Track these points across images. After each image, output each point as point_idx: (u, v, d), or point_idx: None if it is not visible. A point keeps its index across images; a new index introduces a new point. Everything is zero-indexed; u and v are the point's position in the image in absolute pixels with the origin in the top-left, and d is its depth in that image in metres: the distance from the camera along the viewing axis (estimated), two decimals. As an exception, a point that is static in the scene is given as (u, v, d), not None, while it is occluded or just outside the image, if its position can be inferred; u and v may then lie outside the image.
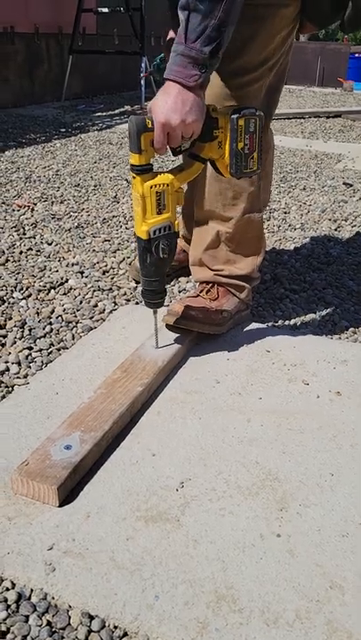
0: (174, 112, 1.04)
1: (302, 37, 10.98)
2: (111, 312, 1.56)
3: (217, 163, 1.19)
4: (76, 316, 1.53)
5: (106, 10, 5.53)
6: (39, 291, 1.67)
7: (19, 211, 2.36)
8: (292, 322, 1.56)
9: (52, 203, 2.49)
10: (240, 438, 1.08)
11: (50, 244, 2.03)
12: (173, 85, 1.04)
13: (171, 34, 1.40)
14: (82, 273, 1.80)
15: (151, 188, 1.10)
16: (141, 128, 1.05)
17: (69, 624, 0.76)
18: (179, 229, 1.19)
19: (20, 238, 2.06)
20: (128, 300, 1.64)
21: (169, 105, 1.04)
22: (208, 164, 1.20)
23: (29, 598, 0.78)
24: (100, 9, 5.58)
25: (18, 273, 1.78)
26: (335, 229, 2.32)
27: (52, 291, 1.68)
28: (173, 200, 1.13)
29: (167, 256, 1.16)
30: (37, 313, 1.54)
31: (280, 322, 1.56)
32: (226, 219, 1.39)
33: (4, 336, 1.42)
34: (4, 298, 1.61)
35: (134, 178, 1.10)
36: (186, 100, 1.04)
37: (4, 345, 1.39)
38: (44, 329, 1.46)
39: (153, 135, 1.06)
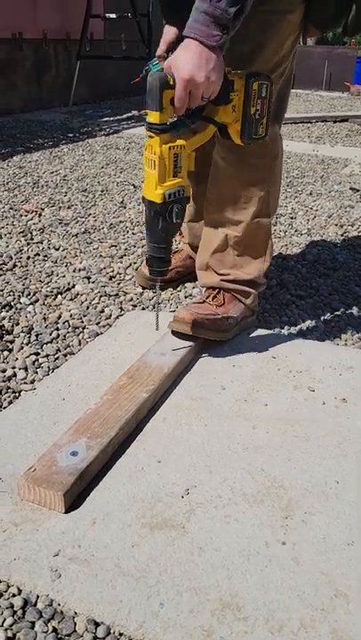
0: (199, 69, 1.01)
1: (309, 41, 10.99)
2: (118, 318, 1.57)
3: (229, 128, 1.17)
4: (82, 322, 1.54)
5: (113, 16, 5.56)
6: (46, 296, 1.68)
7: (26, 216, 2.38)
8: (298, 328, 1.56)
9: (60, 208, 2.50)
10: (245, 445, 1.08)
11: (57, 250, 2.04)
12: (195, 43, 1.02)
13: (165, 40, 1.42)
14: (88, 278, 1.81)
15: (170, 149, 1.06)
16: (164, 84, 1.02)
17: (75, 630, 0.76)
18: (189, 194, 1.17)
19: (28, 244, 2.08)
20: (135, 306, 1.65)
21: (193, 62, 1.01)
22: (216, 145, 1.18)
23: (35, 604, 0.79)
24: (107, 15, 5.62)
25: (25, 278, 1.79)
26: (342, 235, 2.32)
27: (59, 296, 1.69)
28: (187, 164, 1.10)
29: (180, 221, 1.13)
30: (44, 318, 1.55)
31: (286, 328, 1.56)
32: (235, 222, 1.40)
33: (12, 341, 1.43)
34: (12, 303, 1.62)
35: (151, 137, 1.06)
36: (209, 58, 1.02)
37: (11, 350, 1.40)
38: (50, 334, 1.47)
39: (173, 93, 1.03)
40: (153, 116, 1.05)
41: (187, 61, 1.02)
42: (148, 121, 1.06)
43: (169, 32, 1.41)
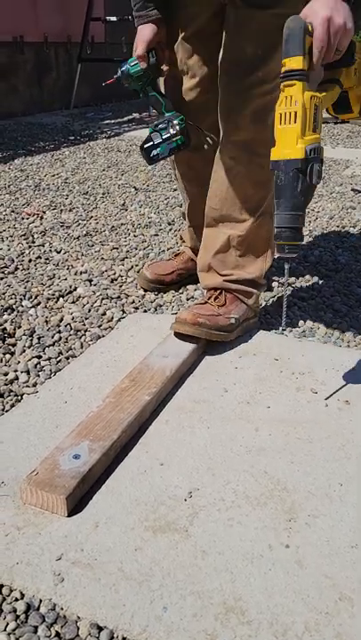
0: (338, 13, 1.00)
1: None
2: (119, 320, 1.57)
3: (350, 93, 1.13)
4: (84, 325, 1.54)
5: (114, 18, 5.57)
6: (48, 299, 1.68)
7: (28, 219, 2.38)
8: (301, 329, 1.56)
9: (61, 211, 2.50)
10: (248, 448, 1.08)
11: (58, 253, 2.04)
12: None
13: (143, 40, 1.39)
14: (90, 281, 1.81)
15: (311, 98, 0.99)
16: (305, 28, 0.98)
17: (78, 635, 0.76)
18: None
19: (30, 246, 2.08)
20: (136, 309, 1.65)
21: (331, 5, 1.00)
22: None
23: (38, 609, 0.79)
24: (108, 17, 5.63)
25: (27, 281, 1.79)
26: (343, 236, 2.32)
27: (61, 299, 1.69)
28: (321, 120, 1.03)
29: (318, 183, 1.02)
30: (46, 321, 1.55)
31: (288, 329, 1.56)
32: (240, 221, 1.41)
33: (14, 344, 1.43)
34: (14, 306, 1.62)
35: (291, 86, 0.98)
36: (345, 7, 1.02)
37: (13, 353, 1.39)
38: (52, 337, 1.46)
39: (311, 41, 1.00)
40: (295, 62, 0.98)
41: (326, 5, 1.00)
42: (289, 68, 0.99)
43: (145, 32, 1.39)
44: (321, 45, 1.01)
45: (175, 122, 1.42)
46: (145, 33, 1.39)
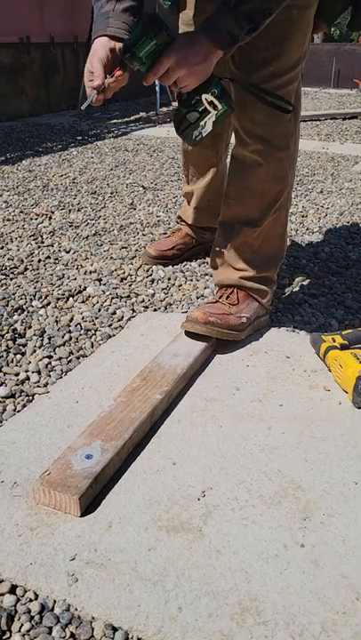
0: (185, 59, 1.11)
1: (316, 39, 10.94)
2: (129, 319, 1.56)
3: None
4: (94, 324, 1.54)
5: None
6: (58, 299, 1.68)
7: (37, 219, 2.38)
8: (312, 327, 1.55)
9: (70, 211, 2.50)
10: (261, 446, 1.07)
11: (68, 252, 2.04)
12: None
13: (100, 59, 1.20)
14: (100, 280, 1.80)
15: None
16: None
17: (93, 636, 0.75)
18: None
19: (39, 247, 2.08)
20: (146, 307, 1.64)
21: (184, 50, 1.10)
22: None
23: (52, 609, 0.78)
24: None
25: (36, 281, 1.79)
26: (354, 232, 2.30)
27: (71, 299, 1.69)
28: None
29: None
30: (56, 321, 1.55)
31: (299, 327, 1.54)
32: (256, 216, 1.40)
33: (24, 345, 1.43)
34: (24, 306, 1.62)
35: None
36: (197, 53, 1.11)
37: (24, 354, 1.39)
38: (63, 337, 1.46)
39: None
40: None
41: (178, 49, 1.10)
42: None
43: (101, 48, 1.20)
44: (148, 78, 1.14)
45: (211, 91, 1.20)
46: (98, 49, 1.21)
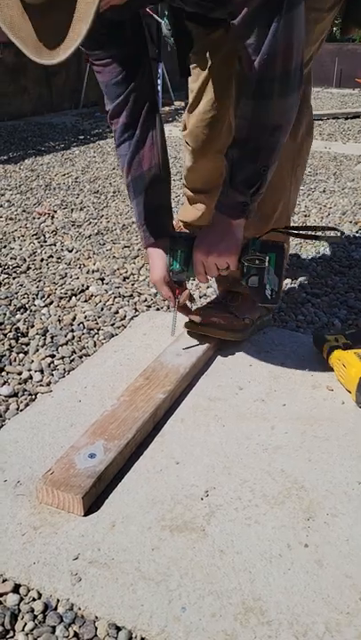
0: (215, 250, 1.16)
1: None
2: (132, 319, 1.56)
3: None
4: (97, 323, 1.54)
5: (122, 17, 5.55)
6: (60, 298, 1.68)
7: (39, 218, 2.38)
8: (315, 326, 1.55)
9: (72, 210, 2.50)
10: (264, 446, 1.07)
11: (70, 252, 2.04)
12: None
13: None
14: (102, 280, 1.80)
15: None
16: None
17: (96, 635, 0.75)
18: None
19: (41, 246, 2.08)
20: (149, 307, 1.64)
21: (213, 242, 1.15)
22: None
23: (56, 609, 0.78)
24: (116, 16, 5.61)
25: (39, 280, 1.79)
26: (356, 232, 2.30)
27: (73, 298, 1.69)
28: None
29: None
30: (59, 320, 1.55)
31: (302, 326, 1.54)
32: (258, 225, 1.39)
33: (27, 344, 1.43)
34: (27, 305, 1.62)
35: None
36: (230, 238, 1.15)
37: (26, 353, 1.39)
38: (65, 336, 1.46)
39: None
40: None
41: (207, 242, 1.16)
42: None
43: (159, 267, 1.25)
44: (199, 278, 1.21)
45: (250, 251, 1.18)
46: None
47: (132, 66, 1.19)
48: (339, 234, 1.26)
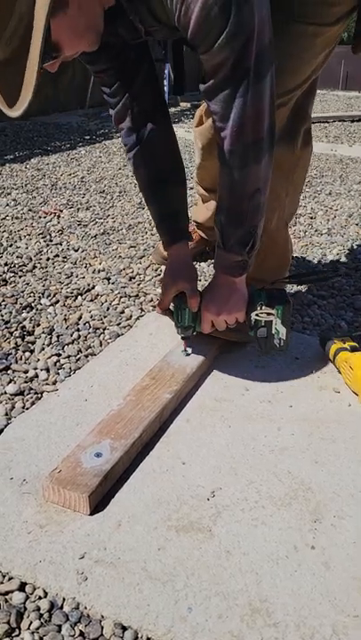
0: (225, 309, 1.20)
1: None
2: (138, 318, 1.56)
3: None
4: (103, 323, 1.53)
5: (129, 18, 5.56)
6: (66, 297, 1.68)
7: (45, 218, 2.38)
8: (321, 328, 1.54)
9: (78, 209, 2.51)
10: (271, 447, 1.06)
11: (76, 251, 2.04)
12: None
13: None
14: (108, 279, 1.80)
15: None
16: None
17: (102, 634, 0.75)
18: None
19: (47, 245, 2.08)
20: (155, 307, 1.64)
21: (221, 302, 1.19)
22: None
23: (62, 607, 0.78)
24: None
25: (45, 279, 1.79)
26: (363, 234, 2.29)
27: (79, 297, 1.68)
28: None
29: None
30: (65, 319, 1.54)
31: (309, 328, 1.54)
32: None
33: (33, 342, 1.43)
34: (33, 304, 1.62)
35: None
36: (237, 298, 1.19)
37: (32, 351, 1.39)
38: (71, 335, 1.46)
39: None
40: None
41: (216, 303, 1.19)
42: None
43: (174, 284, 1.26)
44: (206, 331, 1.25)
45: (258, 305, 1.20)
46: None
47: (131, 73, 1.19)
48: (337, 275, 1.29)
